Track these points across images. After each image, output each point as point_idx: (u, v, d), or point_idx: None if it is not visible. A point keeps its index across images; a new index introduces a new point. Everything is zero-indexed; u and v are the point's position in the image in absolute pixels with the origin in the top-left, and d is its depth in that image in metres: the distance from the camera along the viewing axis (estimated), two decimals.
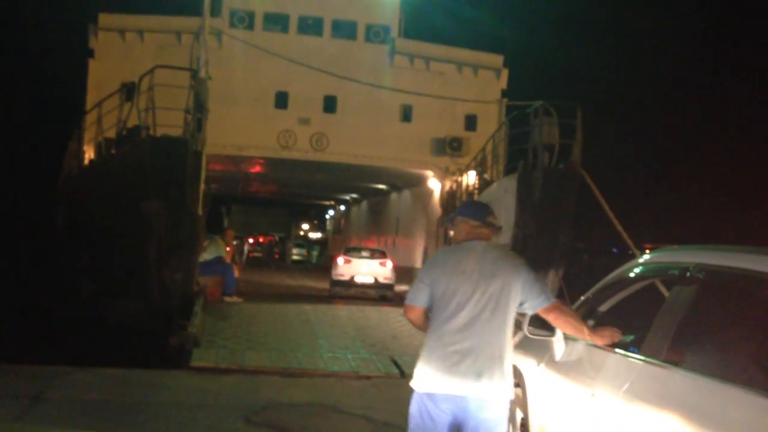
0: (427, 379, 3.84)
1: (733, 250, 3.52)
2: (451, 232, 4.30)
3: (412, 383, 3.92)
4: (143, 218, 12.10)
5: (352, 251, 22.99)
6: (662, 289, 5.12)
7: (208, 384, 8.22)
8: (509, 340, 3.91)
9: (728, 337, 3.40)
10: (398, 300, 19.62)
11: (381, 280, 21.25)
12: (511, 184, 15.15)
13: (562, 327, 4.09)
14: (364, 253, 22.49)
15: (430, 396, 3.81)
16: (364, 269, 21.32)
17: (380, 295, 21.00)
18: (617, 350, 3.93)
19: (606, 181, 14.52)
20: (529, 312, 4.06)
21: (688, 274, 3.61)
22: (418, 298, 4.03)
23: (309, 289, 24.28)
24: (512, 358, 3.97)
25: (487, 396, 3.77)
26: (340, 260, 21.66)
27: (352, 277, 21.26)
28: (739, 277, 3.30)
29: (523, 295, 3.91)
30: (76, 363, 8.60)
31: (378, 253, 22.59)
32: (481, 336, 3.82)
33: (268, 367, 9.24)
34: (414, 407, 3.89)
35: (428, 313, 4.02)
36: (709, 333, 3.50)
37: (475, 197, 18.86)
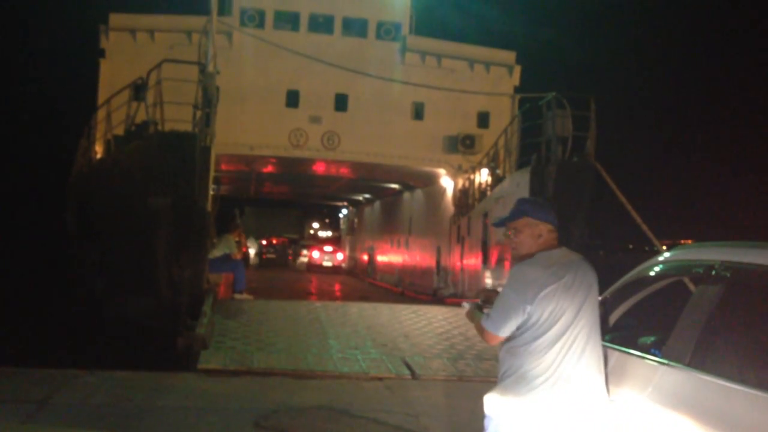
0: (522, 407, 3.45)
1: (762, 246, 3.31)
2: (503, 239, 3.91)
3: (496, 410, 3.54)
4: (151, 214, 11.98)
5: (320, 246, 41.85)
6: (690, 286, 4.90)
7: (216, 387, 8.08)
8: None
9: (758, 340, 3.19)
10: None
11: (336, 263, 39.71)
12: (523, 178, 14.93)
13: None
14: (327, 248, 41.16)
15: (519, 426, 3.45)
16: (327, 257, 39.87)
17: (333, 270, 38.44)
18: (637, 353, 3.73)
19: (620, 175, 14.27)
20: None
21: (713, 272, 3.40)
22: (507, 327, 3.53)
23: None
24: None
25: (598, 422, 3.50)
26: (315, 252, 40.54)
27: (321, 262, 39.40)
28: None
29: None
30: (84, 364, 8.52)
31: (336, 247, 42.19)
32: (590, 359, 3.50)
33: (278, 369, 9.07)
34: None
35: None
36: (736, 335, 3.29)
37: (488, 194, 18.66)
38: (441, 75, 22.22)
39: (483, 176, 19.82)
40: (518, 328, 3.54)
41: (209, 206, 14.01)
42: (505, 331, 3.55)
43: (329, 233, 58.32)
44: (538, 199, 4.21)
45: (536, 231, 3.64)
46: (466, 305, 3.99)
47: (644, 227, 12.79)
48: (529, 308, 3.47)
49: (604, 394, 3.59)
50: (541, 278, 3.49)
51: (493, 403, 3.59)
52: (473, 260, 18.99)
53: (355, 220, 43.48)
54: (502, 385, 3.57)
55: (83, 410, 6.89)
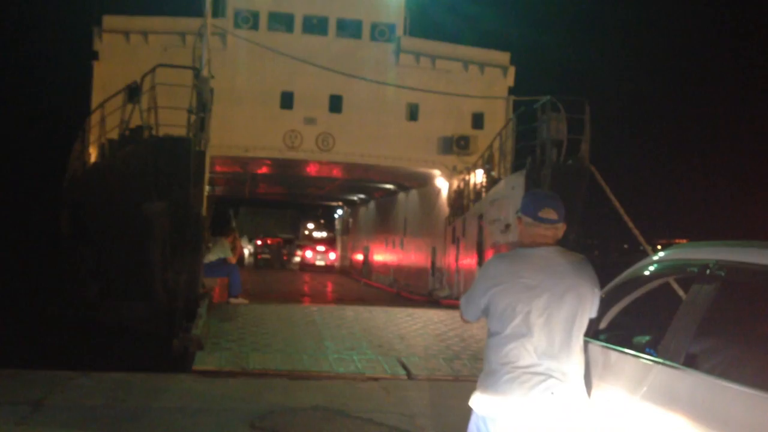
0: (488, 401, 3.49)
1: (757, 245, 3.32)
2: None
3: (472, 402, 3.58)
4: (146, 219, 11.97)
5: (313, 246, 43.11)
6: (677, 289, 4.91)
7: (211, 388, 8.07)
8: (583, 360, 3.61)
9: (752, 339, 3.21)
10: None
11: (328, 263, 41.23)
12: (518, 181, 14.99)
13: None
14: (319, 248, 42.60)
15: (489, 420, 3.47)
16: (320, 256, 41.54)
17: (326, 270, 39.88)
18: (632, 352, 3.74)
19: (615, 177, 14.37)
20: None
21: (708, 271, 3.41)
22: (470, 312, 3.71)
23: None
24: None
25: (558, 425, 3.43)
26: (308, 252, 42.00)
27: (314, 261, 41.12)
28: (763, 274, 3.11)
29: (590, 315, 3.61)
30: (78, 367, 8.50)
31: (328, 247, 43.38)
32: (567, 359, 3.46)
33: (273, 370, 9.06)
34: (472, 428, 3.58)
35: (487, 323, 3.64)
36: (731, 334, 3.31)
37: (483, 195, 18.68)
38: (435, 76, 22.25)
39: (478, 177, 19.84)
40: (488, 319, 3.62)
41: (204, 210, 13.99)
42: (468, 315, 3.72)
43: (324, 233, 58.33)
44: (532, 191, 4.30)
45: (522, 226, 3.69)
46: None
47: (635, 231, 12.87)
48: (483, 300, 3.57)
49: (580, 396, 3.55)
50: (498, 274, 3.55)
51: (473, 396, 3.64)
52: (468, 261, 19.01)
53: (350, 221, 43.50)
54: (479, 378, 3.65)
55: (78, 412, 6.87)
